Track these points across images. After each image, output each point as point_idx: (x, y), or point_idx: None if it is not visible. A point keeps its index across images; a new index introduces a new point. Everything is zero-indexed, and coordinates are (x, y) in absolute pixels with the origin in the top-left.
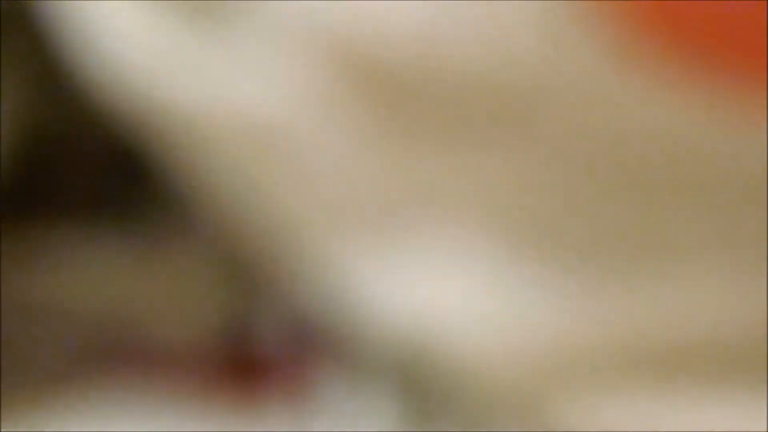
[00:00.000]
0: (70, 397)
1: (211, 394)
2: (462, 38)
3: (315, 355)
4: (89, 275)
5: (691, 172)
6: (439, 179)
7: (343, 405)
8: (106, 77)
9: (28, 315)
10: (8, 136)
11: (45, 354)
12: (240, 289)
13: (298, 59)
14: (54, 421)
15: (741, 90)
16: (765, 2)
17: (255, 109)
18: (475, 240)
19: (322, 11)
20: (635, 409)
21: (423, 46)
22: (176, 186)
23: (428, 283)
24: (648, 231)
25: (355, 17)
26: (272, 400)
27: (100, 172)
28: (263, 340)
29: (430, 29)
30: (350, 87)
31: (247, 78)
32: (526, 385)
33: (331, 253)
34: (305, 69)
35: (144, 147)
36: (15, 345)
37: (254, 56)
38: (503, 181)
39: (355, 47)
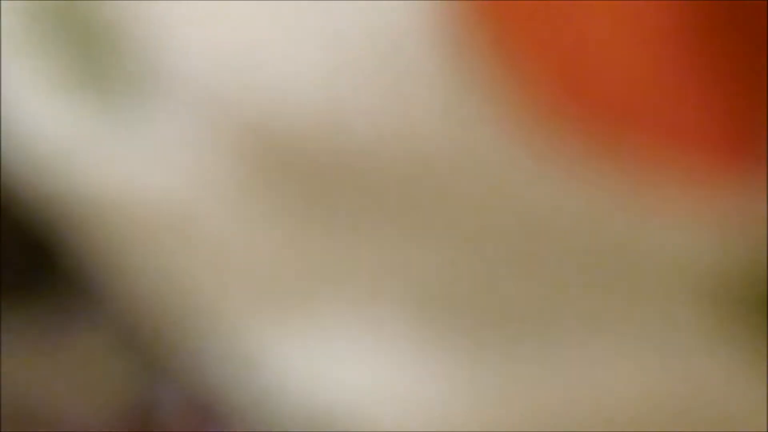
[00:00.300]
0: None
1: None
2: (366, 115)
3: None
4: None
5: (592, 251)
6: (346, 258)
7: None
8: (15, 161)
9: None
10: None
11: None
12: (146, 368)
13: (205, 144)
14: None
15: (639, 172)
16: (666, 89)
17: (164, 194)
18: (385, 318)
19: (227, 97)
20: None
21: (328, 124)
22: (85, 267)
23: (338, 361)
24: (556, 307)
25: (259, 100)
26: None
27: (7, 254)
28: (169, 418)
29: (334, 107)
30: (258, 170)
31: (157, 163)
32: None
33: (242, 332)
34: (214, 154)
35: (52, 229)
36: None
37: (162, 142)
38: (409, 258)
39: (261, 130)
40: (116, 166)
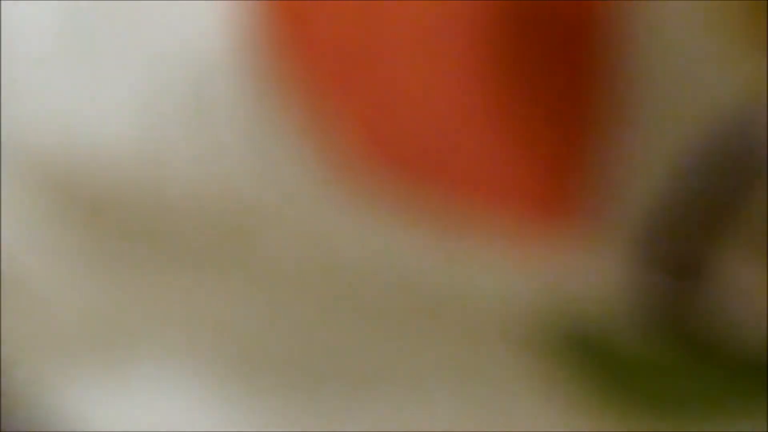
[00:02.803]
0: None
1: None
2: (173, 159)
3: None
4: None
5: (404, 299)
6: (158, 310)
7: None
8: None
9: None
10: None
11: None
12: None
13: (18, 192)
14: None
15: (449, 221)
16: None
17: None
18: (188, 366)
19: (41, 156)
20: None
21: (140, 177)
22: None
23: (144, 414)
24: (365, 356)
25: (65, 143)
26: None
27: None
28: None
29: (143, 152)
30: (73, 226)
31: None
32: None
33: (50, 381)
34: (25, 201)
35: None
36: None
37: None
38: (214, 306)
39: (66, 174)
40: None
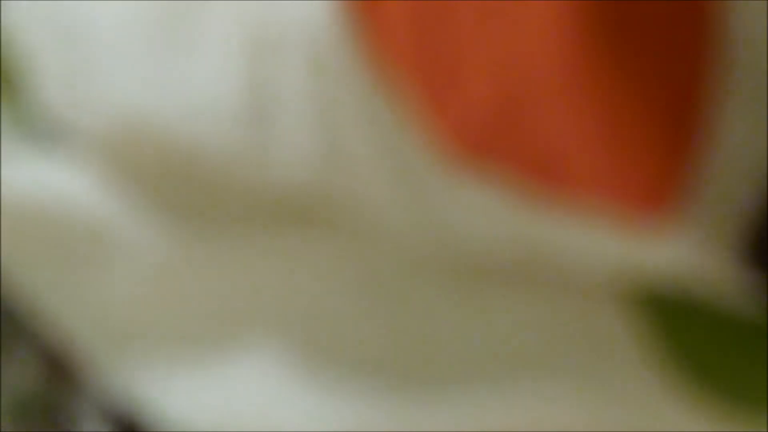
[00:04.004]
0: None
1: None
2: (280, 123)
3: None
4: None
5: (511, 274)
6: (249, 290)
7: None
8: None
9: None
10: None
11: None
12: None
13: (102, 171)
14: None
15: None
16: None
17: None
18: (274, 352)
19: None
20: None
21: (238, 134)
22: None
23: (227, 397)
24: (460, 343)
25: (166, 108)
26: None
27: None
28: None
29: (247, 117)
30: (163, 193)
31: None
32: None
33: (130, 369)
34: (108, 178)
35: None
36: None
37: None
38: (303, 291)
39: (163, 144)
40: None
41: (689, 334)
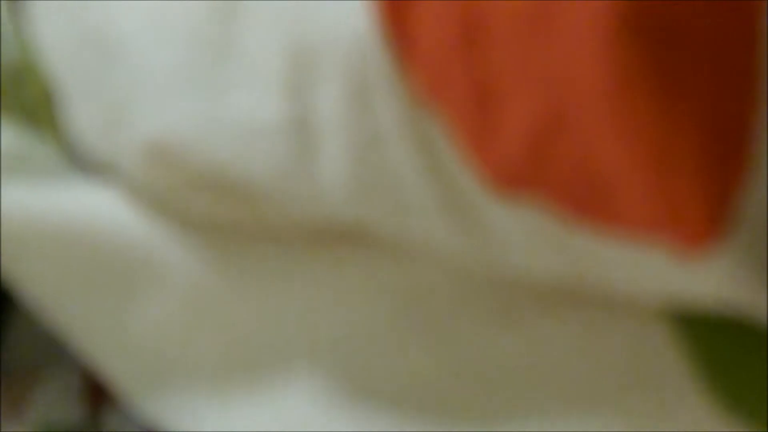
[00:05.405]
0: None
1: None
2: (326, 147)
3: None
4: None
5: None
6: (279, 320)
7: None
8: None
9: None
10: None
11: None
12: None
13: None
14: None
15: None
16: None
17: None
18: (319, 382)
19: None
20: None
21: (285, 158)
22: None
23: (268, 427)
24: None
25: (212, 133)
26: None
27: None
28: None
29: (293, 140)
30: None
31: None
32: None
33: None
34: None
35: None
36: None
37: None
38: (347, 319)
39: (210, 166)
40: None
41: (737, 360)
